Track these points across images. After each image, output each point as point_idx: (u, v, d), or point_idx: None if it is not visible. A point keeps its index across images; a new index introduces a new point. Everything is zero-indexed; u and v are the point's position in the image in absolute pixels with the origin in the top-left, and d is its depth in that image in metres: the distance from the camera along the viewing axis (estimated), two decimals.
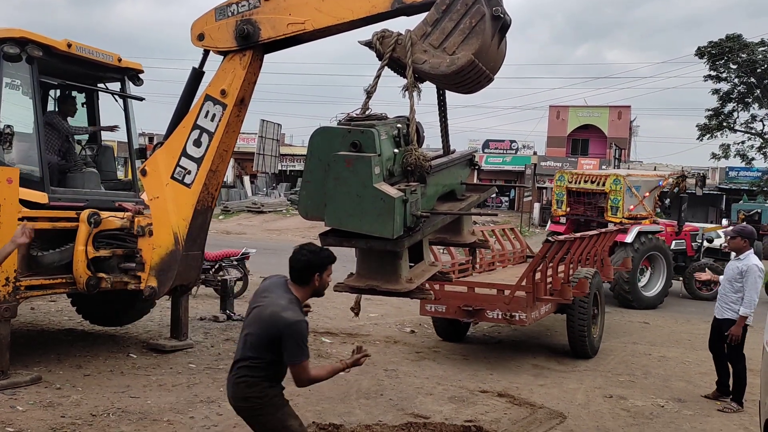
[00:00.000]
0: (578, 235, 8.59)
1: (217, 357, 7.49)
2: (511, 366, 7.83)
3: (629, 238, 12.28)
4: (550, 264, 7.68)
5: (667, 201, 15.18)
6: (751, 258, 6.40)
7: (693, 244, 14.88)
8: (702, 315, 11.67)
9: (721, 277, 6.84)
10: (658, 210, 14.45)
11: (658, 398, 6.84)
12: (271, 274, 3.84)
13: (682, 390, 7.19)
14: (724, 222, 19.67)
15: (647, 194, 13.48)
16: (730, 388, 6.64)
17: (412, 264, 4.21)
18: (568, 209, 13.75)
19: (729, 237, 6.61)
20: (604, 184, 13.16)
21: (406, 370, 7.35)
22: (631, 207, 13.01)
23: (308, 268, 3.49)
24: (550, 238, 7.57)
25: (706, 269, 13.09)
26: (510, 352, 8.57)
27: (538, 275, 7.57)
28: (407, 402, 6.22)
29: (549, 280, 7.81)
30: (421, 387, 6.74)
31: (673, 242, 13.95)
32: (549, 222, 15.02)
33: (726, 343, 6.49)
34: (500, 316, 7.61)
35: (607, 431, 5.77)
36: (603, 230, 9.81)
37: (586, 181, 13.54)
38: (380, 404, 6.13)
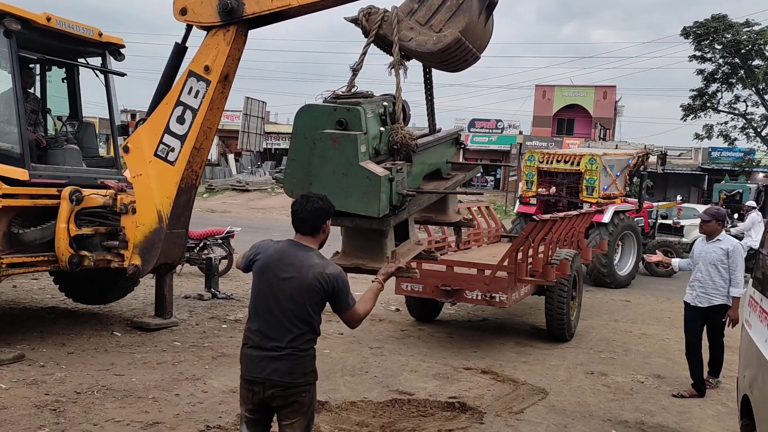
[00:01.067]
0: (562, 215, 8.43)
1: (201, 335, 7.49)
2: (494, 344, 7.91)
3: (606, 218, 12.19)
4: (532, 244, 7.63)
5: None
6: (730, 238, 6.45)
7: (649, 221, 15.02)
8: (683, 293, 11.81)
9: (678, 261, 6.80)
10: (628, 189, 14.36)
11: (638, 374, 6.96)
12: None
13: (662, 366, 7.33)
14: (678, 198, 19.86)
15: (619, 173, 13.46)
16: (706, 386, 6.49)
17: (398, 242, 4.23)
18: (539, 190, 13.38)
19: (703, 221, 6.50)
20: (578, 164, 12.82)
21: (391, 348, 7.40)
22: (606, 187, 12.85)
23: (322, 214, 3.30)
24: (535, 217, 7.54)
25: (657, 251, 13.28)
26: (493, 331, 8.66)
27: (519, 255, 7.38)
28: (392, 379, 6.28)
29: (530, 260, 7.66)
30: (405, 364, 6.80)
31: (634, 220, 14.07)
32: (517, 203, 14.73)
33: (713, 326, 6.36)
34: (480, 297, 7.33)
35: (588, 406, 5.87)
36: (584, 210, 9.82)
37: (558, 161, 13.15)
38: (365, 381, 6.18)
